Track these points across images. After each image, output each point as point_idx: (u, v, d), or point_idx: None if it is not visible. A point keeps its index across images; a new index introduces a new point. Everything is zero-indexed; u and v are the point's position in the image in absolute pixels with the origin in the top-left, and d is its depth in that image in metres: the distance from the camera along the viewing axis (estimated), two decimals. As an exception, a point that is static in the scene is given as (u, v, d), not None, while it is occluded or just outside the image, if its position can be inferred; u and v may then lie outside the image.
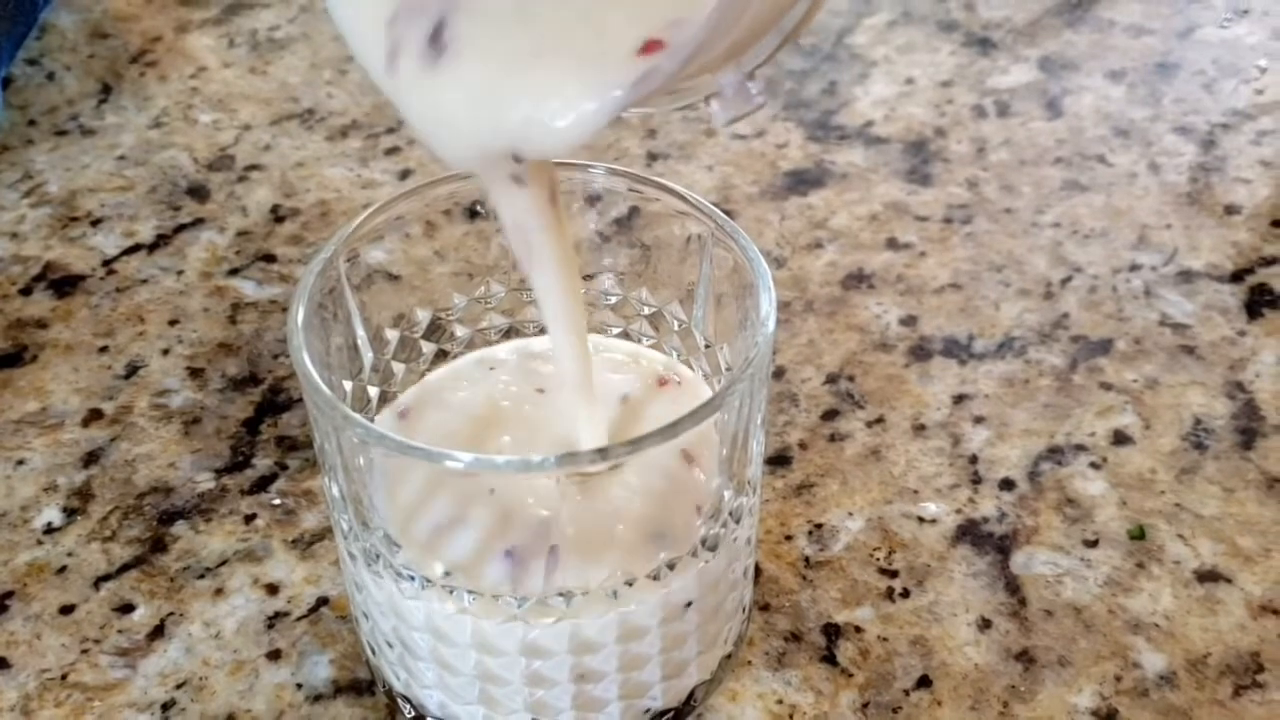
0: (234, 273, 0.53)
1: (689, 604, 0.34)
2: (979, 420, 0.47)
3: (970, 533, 0.43)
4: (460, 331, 0.40)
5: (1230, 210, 0.56)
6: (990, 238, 0.55)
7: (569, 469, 0.31)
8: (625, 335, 0.41)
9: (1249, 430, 0.47)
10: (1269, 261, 0.53)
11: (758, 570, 0.42)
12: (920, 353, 0.50)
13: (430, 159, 0.59)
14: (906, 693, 0.39)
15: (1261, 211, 0.56)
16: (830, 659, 0.40)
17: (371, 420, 0.38)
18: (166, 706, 0.39)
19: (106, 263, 0.54)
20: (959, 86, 0.63)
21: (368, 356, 0.38)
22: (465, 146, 0.30)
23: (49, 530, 0.44)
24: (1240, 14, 0.68)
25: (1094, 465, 0.45)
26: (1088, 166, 0.58)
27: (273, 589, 0.42)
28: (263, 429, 0.47)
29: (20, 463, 0.46)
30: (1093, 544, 0.43)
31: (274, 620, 0.41)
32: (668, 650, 0.35)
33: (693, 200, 0.37)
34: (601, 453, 0.31)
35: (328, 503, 0.37)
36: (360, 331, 0.38)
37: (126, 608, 0.42)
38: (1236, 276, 0.53)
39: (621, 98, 0.27)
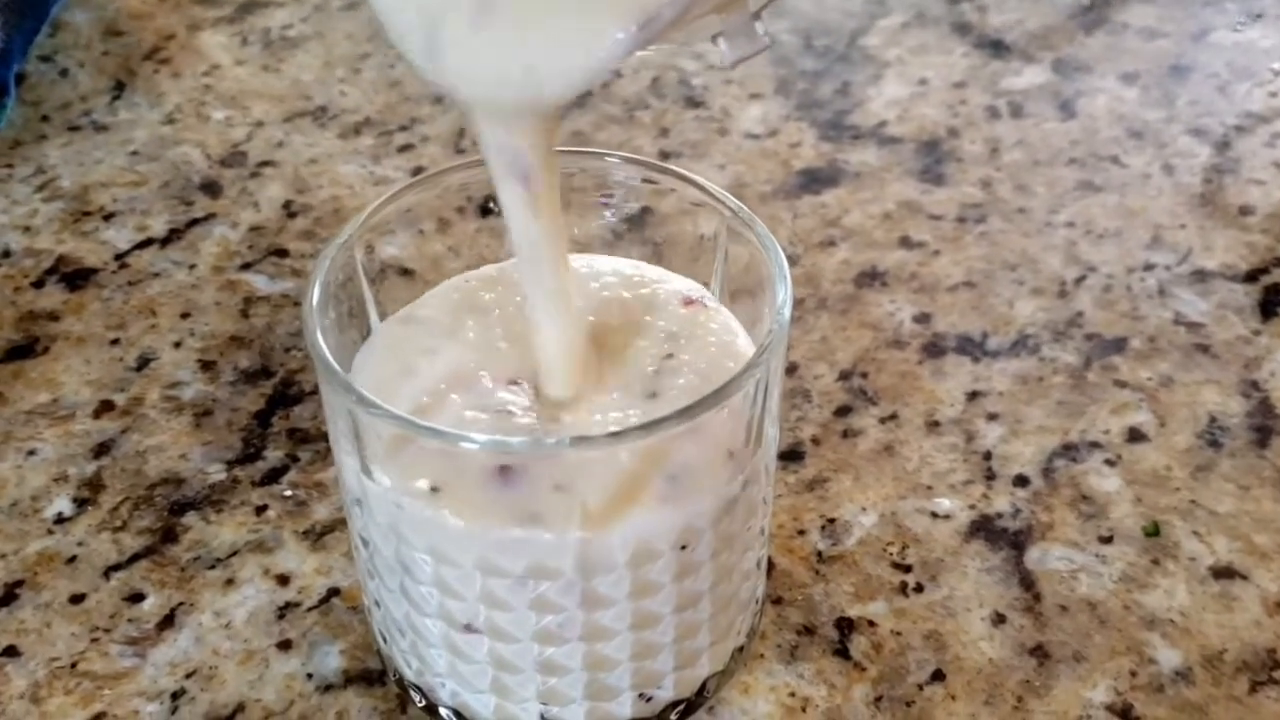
0: (246, 267, 0.53)
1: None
2: (993, 417, 0.47)
3: (984, 528, 0.43)
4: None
5: (1244, 211, 0.56)
6: (1004, 237, 0.54)
7: (584, 451, 0.31)
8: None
9: (1264, 429, 0.46)
10: (1284, 262, 0.53)
11: (770, 564, 0.42)
12: (934, 350, 0.49)
13: (443, 156, 0.59)
14: (920, 687, 0.39)
15: (1276, 213, 0.56)
16: (843, 653, 0.40)
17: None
18: (176, 695, 0.39)
19: (119, 256, 0.54)
20: (972, 88, 0.63)
21: (382, 345, 0.38)
22: (496, 93, 0.30)
23: (60, 520, 0.44)
24: (1254, 17, 0.68)
25: (1109, 462, 0.45)
26: (1101, 167, 0.58)
27: (283, 579, 0.42)
28: (274, 421, 0.47)
29: (32, 453, 0.46)
30: (1107, 540, 0.43)
31: (284, 610, 0.41)
32: (680, 640, 0.35)
33: (708, 189, 0.37)
34: (616, 435, 0.30)
35: (340, 490, 0.36)
36: (376, 323, 0.38)
37: (136, 597, 0.42)
38: (1251, 276, 0.53)
39: (628, 40, 0.28)
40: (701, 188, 0.37)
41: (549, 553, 0.32)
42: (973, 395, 0.48)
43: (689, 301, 0.37)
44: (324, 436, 0.46)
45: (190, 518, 0.44)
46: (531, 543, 0.32)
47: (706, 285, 0.38)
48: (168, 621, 0.41)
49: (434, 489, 0.32)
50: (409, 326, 0.37)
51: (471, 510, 0.32)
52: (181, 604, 0.41)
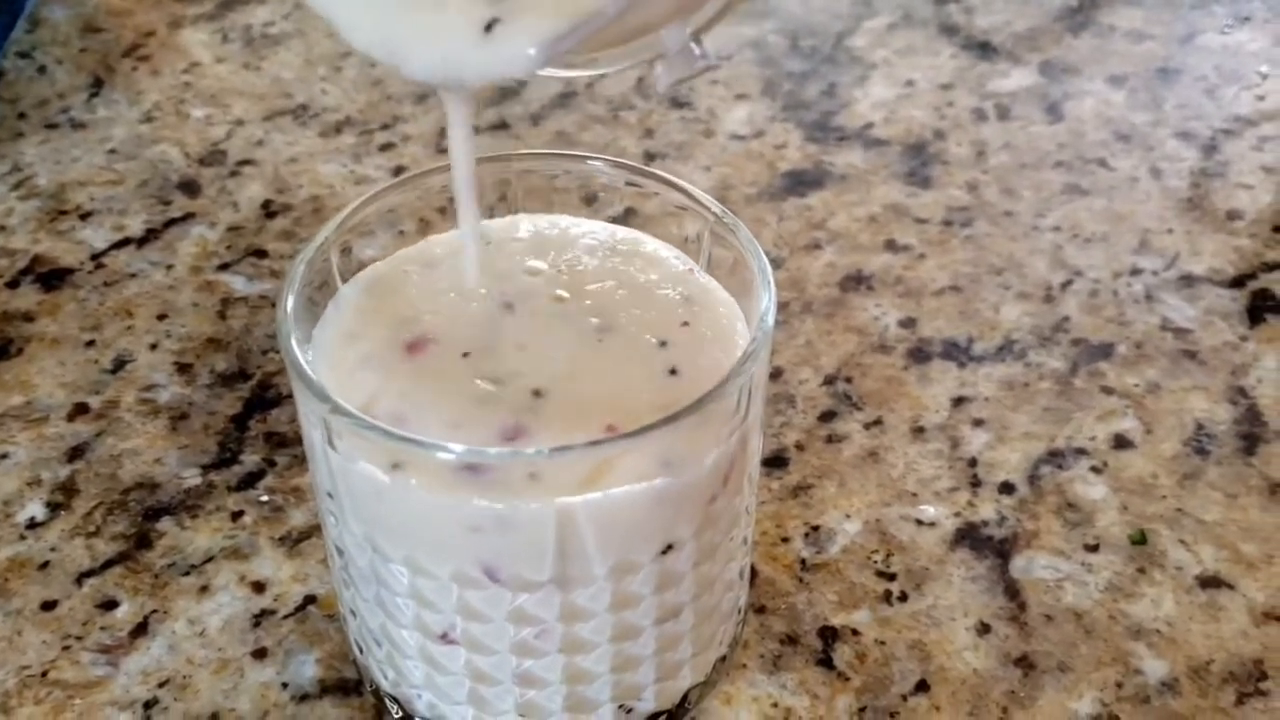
0: (224, 268, 0.53)
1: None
2: (978, 423, 0.46)
3: (969, 536, 0.43)
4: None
5: (1232, 216, 0.55)
6: (990, 240, 0.54)
7: (563, 459, 0.30)
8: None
9: (1251, 436, 0.46)
10: (1271, 267, 0.53)
11: (753, 572, 0.41)
12: (919, 355, 0.49)
13: (425, 155, 0.58)
14: (904, 697, 0.38)
15: (1263, 217, 0.55)
16: (827, 662, 0.39)
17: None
18: (149, 705, 0.38)
19: (95, 256, 0.53)
20: (959, 89, 0.63)
21: (359, 349, 0.37)
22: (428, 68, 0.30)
23: (32, 525, 0.43)
24: (1242, 20, 0.67)
25: (1095, 469, 0.45)
26: (1088, 170, 0.58)
27: (259, 586, 0.41)
28: (251, 425, 0.46)
29: (4, 457, 0.45)
30: (1093, 549, 0.42)
31: (260, 618, 0.40)
32: (661, 651, 0.35)
33: (692, 193, 0.36)
34: (595, 443, 0.30)
35: (314, 496, 0.36)
36: (351, 324, 0.37)
37: (109, 604, 0.41)
38: (1238, 282, 0.52)
39: (567, 39, 0.27)
40: (685, 192, 0.37)
41: (526, 525, 0.31)
42: (958, 401, 0.47)
43: (688, 271, 0.37)
44: (301, 440, 0.45)
45: (165, 523, 0.43)
46: (506, 517, 0.31)
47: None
48: (141, 629, 0.40)
49: (395, 465, 0.31)
50: (359, 288, 0.36)
51: (441, 486, 0.31)
52: (155, 611, 0.41)
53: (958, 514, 0.43)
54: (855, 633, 0.40)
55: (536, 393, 0.32)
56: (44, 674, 0.39)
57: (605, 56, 0.30)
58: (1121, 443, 0.46)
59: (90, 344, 0.49)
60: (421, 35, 0.30)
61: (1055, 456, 0.45)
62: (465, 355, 0.34)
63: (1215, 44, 0.66)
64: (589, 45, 0.28)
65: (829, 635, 0.40)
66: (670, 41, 0.29)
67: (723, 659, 0.38)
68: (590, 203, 0.39)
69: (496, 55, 0.28)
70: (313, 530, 0.43)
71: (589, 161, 0.38)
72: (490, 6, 0.28)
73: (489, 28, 0.28)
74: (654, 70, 0.31)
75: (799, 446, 0.46)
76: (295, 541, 0.42)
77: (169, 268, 0.53)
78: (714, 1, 0.29)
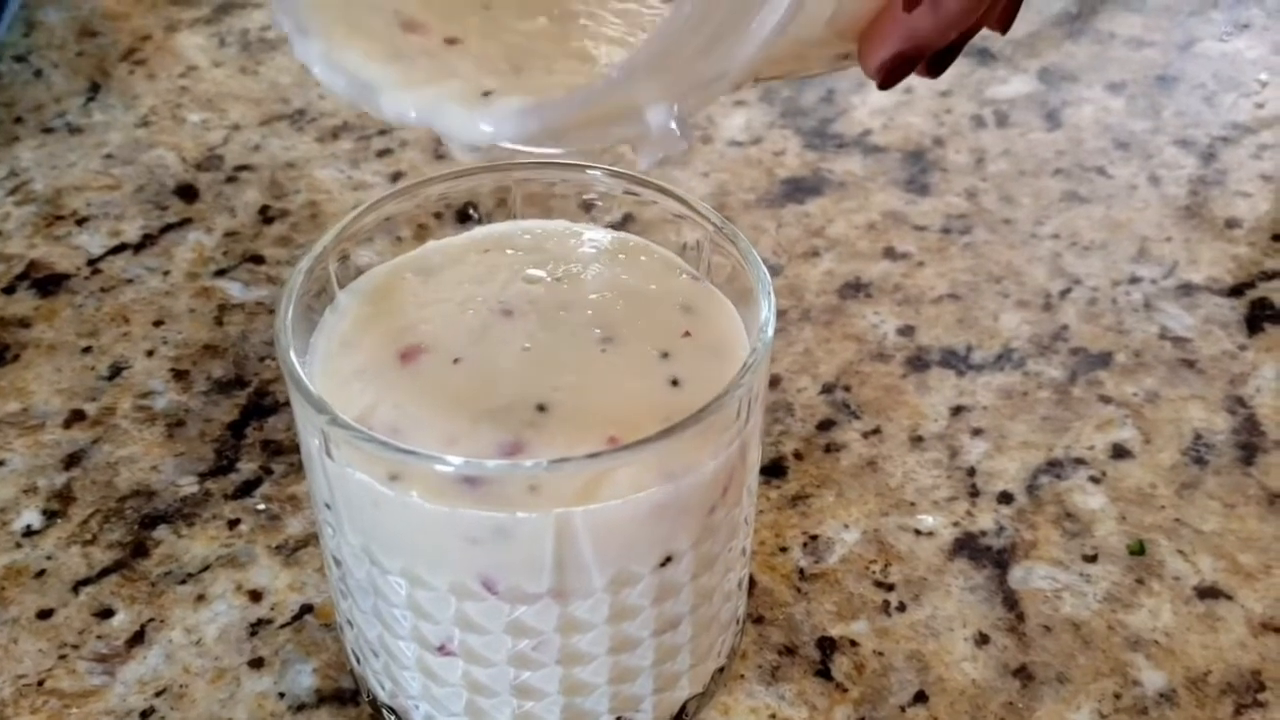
0: (221, 274, 0.53)
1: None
2: (977, 432, 0.46)
3: (968, 546, 0.43)
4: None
5: (1230, 224, 0.55)
6: (989, 248, 0.54)
7: (562, 471, 0.30)
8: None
9: (1249, 446, 0.46)
10: (1269, 276, 0.53)
11: (751, 582, 0.41)
12: (918, 363, 0.49)
13: (422, 161, 0.58)
14: (902, 708, 0.38)
15: (1262, 225, 0.55)
16: (825, 673, 0.39)
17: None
18: (146, 715, 0.38)
19: (91, 262, 0.53)
20: (958, 96, 0.62)
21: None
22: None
23: (28, 533, 0.43)
24: (1240, 28, 0.67)
25: (1093, 479, 0.45)
26: (1087, 178, 0.58)
27: (256, 595, 0.41)
28: (248, 432, 0.46)
29: (0, 464, 0.45)
30: (1092, 559, 0.42)
31: (256, 627, 0.40)
32: (660, 663, 0.35)
33: (691, 203, 0.36)
34: (595, 456, 0.30)
35: (312, 506, 0.36)
36: (349, 332, 0.37)
37: (106, 613, 0.41)
38: (1236, 290, 0.52)
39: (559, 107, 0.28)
40: (684, 201, 0.37)
41: (524, 536, 0.31)
42: (956, 410, 0.47)
43: (688, 280, 0.37)
44: (298, 448, 0.45)
45: (161, 531, 0.43)
46: (504, 528, 0.31)
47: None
48: (137, 638, 0.40)
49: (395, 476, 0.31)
50: (356, 296, 0.36)
51: (439, 497, 0.31)
52: (152, 620, 0.41)
53: (956, 524, 0.43)
54: (853, 643, 0.40)
55: (540, 407, 0.32)
56: (40, 683, 0.39)
57: (587, 134, 0.30)
58: (1120, 452, 0.46)
59: (87, 350, 0.49)
60: (420, 94, 0.30)
61: (1054, 466, 0.45)
62: (456, 361, 0.34)
63: (1214, 51, 0.66)
64: (575, 121, 0.29)
65: (827, 646, 0.40)
66: (654, 122, 0.29)
67: (721, 670, 0.38)
68: (588, 210, 0.39)
69: (487, 117, 0.29)
70: (309, 539, 0.43)
71: (588, 171, 0.38)
72: (491, 80, 0.29)
73: (486, 94, 0.29)
74: (635, 149, 0.31)
75: (797, 455, 0.45)
76: (292, 550, 0.42)
77: (165, 274, 0.53)
78: (702, 89, 0.29)
